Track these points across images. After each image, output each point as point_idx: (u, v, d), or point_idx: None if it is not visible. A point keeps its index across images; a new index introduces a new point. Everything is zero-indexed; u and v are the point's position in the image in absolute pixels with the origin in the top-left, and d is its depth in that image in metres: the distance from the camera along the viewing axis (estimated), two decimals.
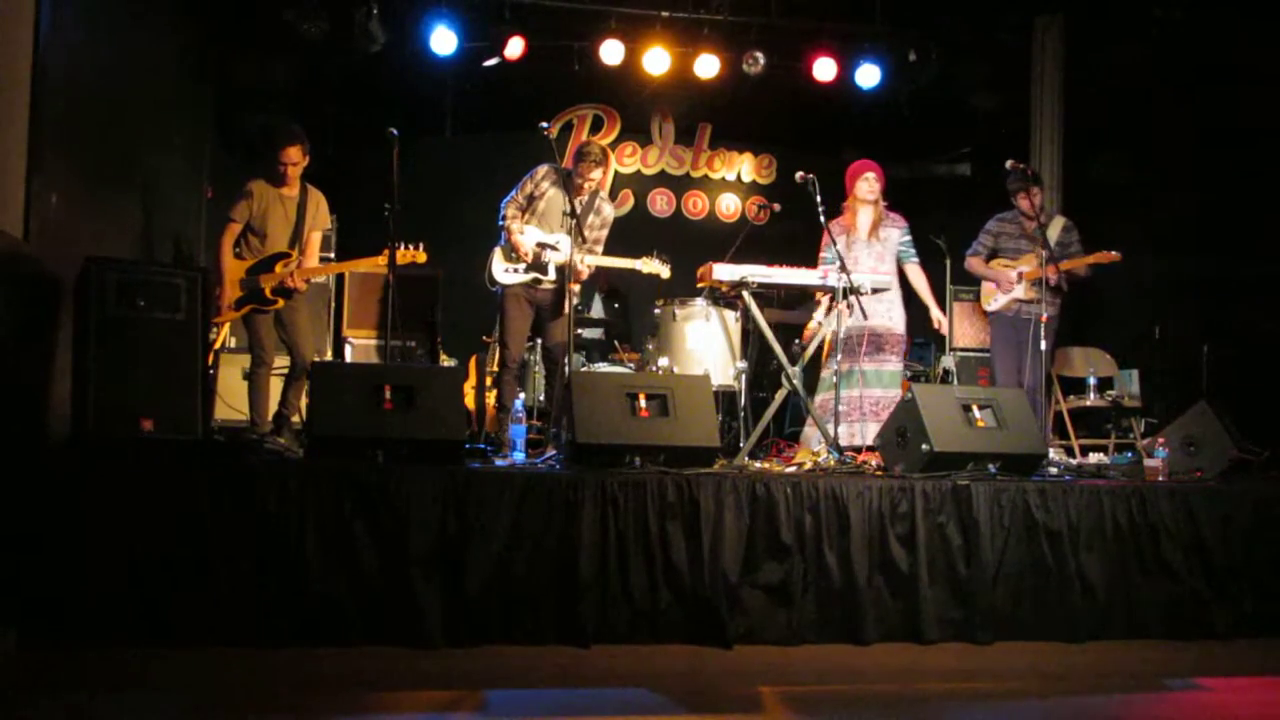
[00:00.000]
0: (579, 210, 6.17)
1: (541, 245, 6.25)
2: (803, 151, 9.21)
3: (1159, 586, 4.97)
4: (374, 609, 4.32)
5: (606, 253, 6.52)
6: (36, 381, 4.86)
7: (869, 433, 6.19)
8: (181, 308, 4.90)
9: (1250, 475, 5.86)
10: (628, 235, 7.44)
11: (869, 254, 6.60)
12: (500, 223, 6.35)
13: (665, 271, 6.65)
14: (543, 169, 6.37)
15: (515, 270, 6.29)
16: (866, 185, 6.68)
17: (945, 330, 7.40)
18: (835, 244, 6.27)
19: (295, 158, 6.09)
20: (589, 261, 6.32)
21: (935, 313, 6.93)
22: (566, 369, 5.90)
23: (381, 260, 6.03)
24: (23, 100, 4.74)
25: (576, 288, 5.94)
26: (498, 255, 6.34)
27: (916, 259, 6.82)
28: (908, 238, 6.78)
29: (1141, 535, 4.98)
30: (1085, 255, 6.77)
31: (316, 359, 6.60)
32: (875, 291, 6.21)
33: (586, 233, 6.27)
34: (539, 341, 6.76)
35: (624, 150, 10.10)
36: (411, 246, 6.09)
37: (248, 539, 4.26)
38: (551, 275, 6.27)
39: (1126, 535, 4.96)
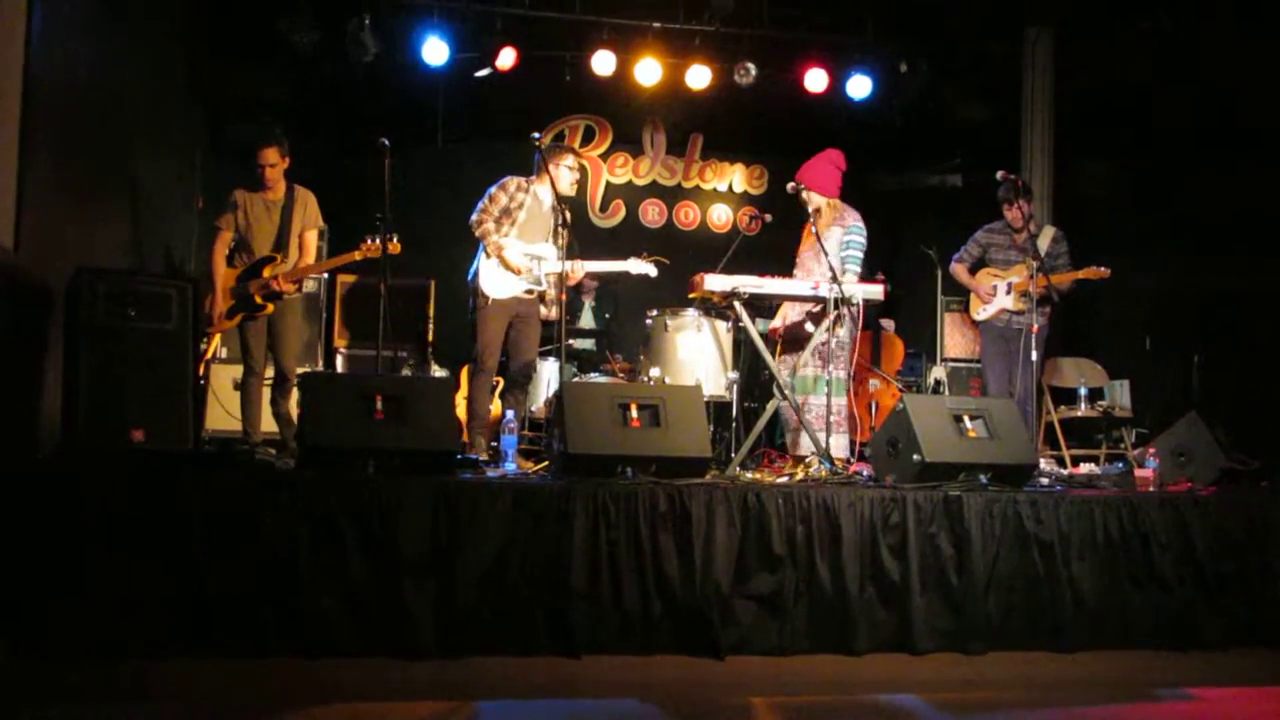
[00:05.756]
0: (547, 221, 6.26)
1: (531, 257, 6.27)
2: (794, 162, 9.08)
3: (1150, 597, 4.98)
4: (365, 619, 4.30)
5: (596, 258, 6.54)
6: (27, 391, 4.85)
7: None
8: (172, 317, 4.90)
9: (1241, 485, 5.87)
10: (620, 245, 7.44)
11: (813, 260, 6.42)
12: (479, 237, 6.27)
13: (653, 270, 6.69)
14: (513, 181, 6.35)
15: (508, 285, 6.27)
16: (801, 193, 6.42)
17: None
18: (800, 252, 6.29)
19: (272, 159, 6.09)
20: (578, 267, 6.33)
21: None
22: (550, 384, 5.86)
23: (358, 255, 6.02)
24: (13, 109, 4.73)
25: (564, 296, 5.93)
26: (489, 267, 6.28)
27: (856, 268, 6.29)
28: (849, 238, 6.32)
29: (1132, 545, 4.98)
30: (1073, 269, 6.75)
31: (307, 368, 6.59)
32: (868, 301, 6.20)
33: (559, 243, 6.27)
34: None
35: (615, 161, 10.11)
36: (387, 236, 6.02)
37: (238, 550, 4.24)
38: (544, 285, 6.28)
39: (1118, 545, 4.96)
